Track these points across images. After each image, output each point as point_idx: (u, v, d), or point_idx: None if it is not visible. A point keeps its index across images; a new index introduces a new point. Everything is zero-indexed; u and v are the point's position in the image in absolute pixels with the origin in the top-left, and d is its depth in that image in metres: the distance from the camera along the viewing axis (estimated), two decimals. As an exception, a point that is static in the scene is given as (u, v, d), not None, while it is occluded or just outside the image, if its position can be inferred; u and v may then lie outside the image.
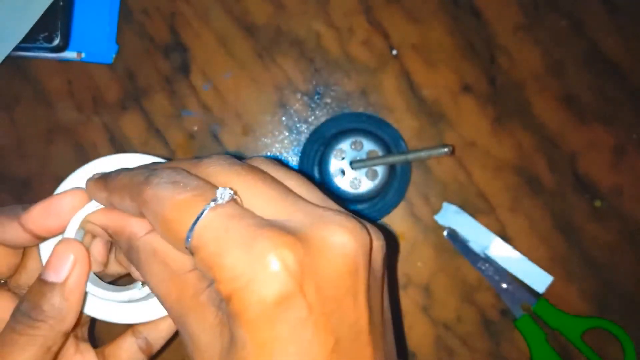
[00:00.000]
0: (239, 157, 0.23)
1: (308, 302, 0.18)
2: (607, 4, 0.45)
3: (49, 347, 0.22)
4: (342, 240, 0.19)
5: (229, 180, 0.21)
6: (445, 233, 0.44)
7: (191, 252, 0.19)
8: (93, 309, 0.25)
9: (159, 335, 0.27)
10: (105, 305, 0.25)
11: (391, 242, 0.44)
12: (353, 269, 0.19)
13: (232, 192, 0.20)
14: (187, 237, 0.19)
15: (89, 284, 0.24)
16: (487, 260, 0.44)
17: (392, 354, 0.22)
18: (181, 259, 0.21)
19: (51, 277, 0.23)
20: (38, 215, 0.23)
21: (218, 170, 0.21)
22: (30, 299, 0.23)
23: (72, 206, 0.24)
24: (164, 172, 0.21)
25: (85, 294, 0.24)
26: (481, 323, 0.44)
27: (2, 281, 0.26)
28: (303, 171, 0.43)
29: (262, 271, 0.18)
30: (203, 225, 0.19)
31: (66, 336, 0.23)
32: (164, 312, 0.25)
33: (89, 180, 0.24)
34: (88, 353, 0.26)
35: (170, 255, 0.21)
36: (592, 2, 0.45)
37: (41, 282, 0.23)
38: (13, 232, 0.24)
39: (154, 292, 0.21)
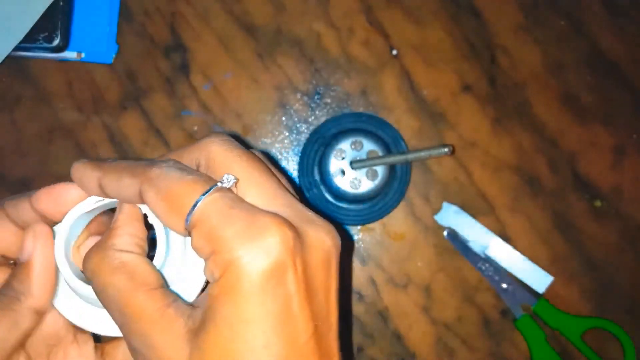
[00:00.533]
0: (235, 138, 0.23)
1: (297, 279, 0.19)
2: (607, 4, 0.45)
3: (17, 321, 0.23)
4: (324, 239, 0.21)
5: (228, 163, 0.22)
6: (445, 233, 0.44)
7: (189, 229, 0.20)
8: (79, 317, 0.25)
9: None
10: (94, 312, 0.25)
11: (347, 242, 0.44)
12: (328, 265, 0.21)
13: (235, 180, 0.21)
14: (190, 213, 0.20)
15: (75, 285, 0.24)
16: (487, 260, 0.44)
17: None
18: (149, 275, 0.21)
19: (21, 257, 0.24)
20: (44, 196, 0.24)
21: (218, 151, 0.22)
22: (7, 279, 0.24)
23: (77, 195, 0.24)
24: (169, 160, 0.22)
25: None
26: (481, 323, 0.44)
27: (12, 262, 0.26)
28: (303, 172, 0.43)
29: (262, 241, 0.19)
30: (208, 200, 0.20)
31: (39, 314, 0.24)
32: None
33: (77, 163, 0.24)
34: (85, 344, 0.26)
35: (139, 269, 0.21)
36: (592, 2, 0.45)
37: (17, 264, 0.24)
38: (25, 211, 0.25)
39: (110, 305, 0.21)
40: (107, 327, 0.25)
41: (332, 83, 0.45)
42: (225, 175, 0.21)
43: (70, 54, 0.44)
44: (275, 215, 0.20)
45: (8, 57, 0.43)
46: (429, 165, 0.44)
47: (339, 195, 0.43)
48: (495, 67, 0.45)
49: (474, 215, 0.44)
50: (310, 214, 0.22)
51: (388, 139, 0.43)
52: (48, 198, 0.24)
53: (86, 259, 0.22)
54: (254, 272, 0.19)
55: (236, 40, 0.45)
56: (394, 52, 0.45)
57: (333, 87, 0.45)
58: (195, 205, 0.20)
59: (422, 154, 0.40)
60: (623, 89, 0.45)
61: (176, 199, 0.20)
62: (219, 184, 0.20)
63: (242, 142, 0.44)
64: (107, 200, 0.24)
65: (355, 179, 0.43)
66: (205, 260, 0.20)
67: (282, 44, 0.45)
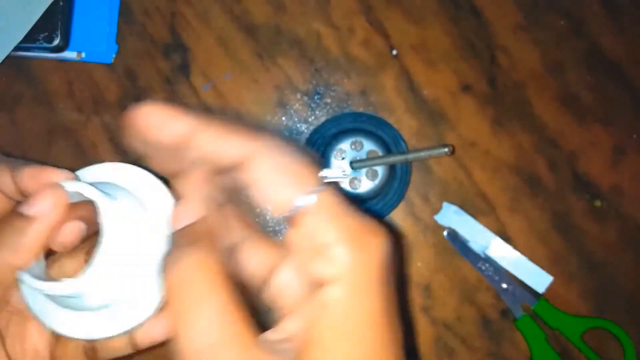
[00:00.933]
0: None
1: (394, 279, 0.19)
2: (607, 3, 0.45)
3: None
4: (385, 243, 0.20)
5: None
6: (445, 233, 0.44)
7: (296, 214, 0.18)
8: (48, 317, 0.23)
9: (108, 345, 0.25)
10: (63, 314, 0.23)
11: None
12: (388, 271, 0.20)
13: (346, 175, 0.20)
14: (304, 199, 0.18)
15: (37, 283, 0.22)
16: (487, 260, 0.44)
17: None
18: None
19: (26, 209, 0.22)
20: (29, 178, 0.23)
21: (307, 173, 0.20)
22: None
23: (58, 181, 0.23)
24: (274, 134, 0.20)
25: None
26: (481, 323, 0.44)
27: None
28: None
29: (380, 234, 0.19)
30: (326, 187, 0.19)
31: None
32: (125, 327, 0.23)
33: (153, 104, 0.20)
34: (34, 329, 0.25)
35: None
36: (592, 2, 0.45)
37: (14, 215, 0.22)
38: (6, 183, 0.24)
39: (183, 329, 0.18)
40: (72, 327, 0.24)
41: (332, 83, 0.45)
42: (328, 170, 0.20)
43: (70, 54, 0.44)
44: (376, 225, 0.19)
45: (8, 57, 0.43)
46: (429, 165, 0.44)
47: (339, 195, 0.43)
48: (495, 67, 0.45)
49: (474, 215, 0.44)
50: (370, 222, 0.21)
51: (388, 139, 0.43)
52: (32, 181, 0.23)
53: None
54: (374, 275, 0.18)
55: (236, 40, 0.45)
56: (394, 52, 0.45)
57: (333, 87, 0.45)
58: (315, 191, 0.18)
59: (422, 154, 0.40)
60: (623, 88, 0.45)
61: (294, 173, 0.19)
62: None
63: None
64: (76, 188, 0.23)
65: (355, 179, 0.43)
66: (301, 257, 0.19)
67: (282, 44, 0.45)
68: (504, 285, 0.44)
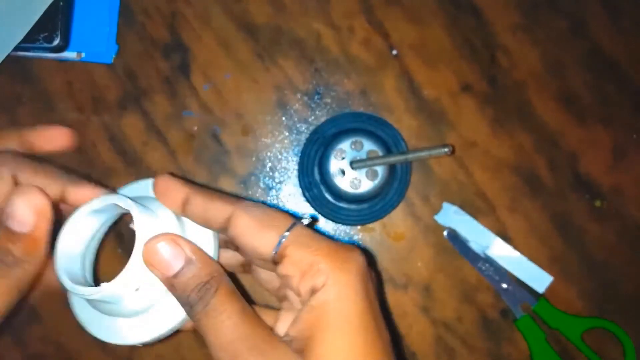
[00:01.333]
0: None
1: (374, 286, 0.24)
2: (607, 4, 0.45)
3: (20, 289, 0.24)
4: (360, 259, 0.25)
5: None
6: (445, 233, 0.44)
7: (280, 253, 0.23)
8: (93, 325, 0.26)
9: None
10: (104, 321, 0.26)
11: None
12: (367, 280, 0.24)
13: (311, 220, 0.25)
14: (283, 237, 0.23)
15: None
16: (487, 260, 0.44)
17: None
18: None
19: (17, 226, 0.24)
20: (39, 135, 0.29)
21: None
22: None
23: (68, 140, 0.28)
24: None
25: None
26: (481, 323, 0.44)
27: None
28: (303, 172, 0.43)
29: (354, 250, 0.24)
30: (298, 227, 0.24)
31: (35, 278, 0.25)
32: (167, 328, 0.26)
33: (163, 175, 0.26)
34: None
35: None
36: (592, 3, 0.45)
37: (8, 231, 0.24)
38: (9, 142, 0.29)
39: (216, 335, 0.23)
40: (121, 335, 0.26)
41: (332, 83, 0.45)
42: (304, 214, 0.25)
43: (70, 54, 0.44)
44: (350, 244, 0.25)
45: (8, 57, 0.43)
46: (429, 165, 0.44)
47: (339, 195, 0.43)
48: (495, 67, 0.45)
49: (474, 215, 0.44)
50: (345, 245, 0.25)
51: (388, 139, 0.43)
52: (42, 137, 0.27)
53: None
54: (353, 278, 0.23)
55: (236, 40, 0.45)
56: (394, 52, 0.45)
57: (333, 87, 0.45)
58: (289, 229, 0.23)
59: (422, 153, 0.40)
60: (623, 88, 0.45)
61: (270, 222, 0.24)
62: (303, 221, 0.24)
63: (243, 143, 0.44)
64: (112, 200, 0.25)
65: (355, 179, 0.43)
66: (295, 279, 0.23)
67: (282, 44, 0.45)
68: (504, 285, 0.44)
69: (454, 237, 0.44)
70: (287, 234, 0.23)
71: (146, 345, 0.26)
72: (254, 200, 0.27)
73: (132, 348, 0.44)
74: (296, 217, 0.24)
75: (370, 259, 0.27)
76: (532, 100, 0.45)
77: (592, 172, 0.45)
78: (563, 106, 0.45)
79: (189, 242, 0.25)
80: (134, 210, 0.25)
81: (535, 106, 0.45)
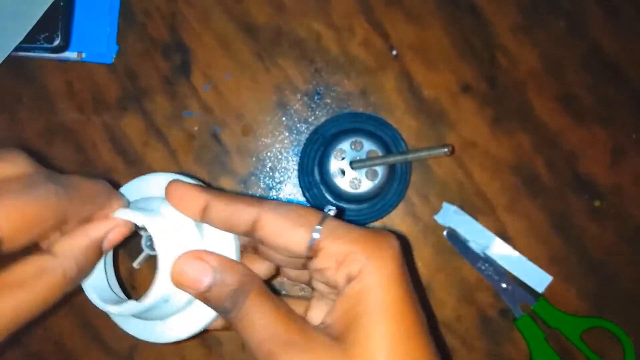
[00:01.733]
0: None
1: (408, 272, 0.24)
2: (606, 4, 0.46)
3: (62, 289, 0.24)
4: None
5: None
6: (445, 233, 0.44)
7: (314, 247, 0.23)
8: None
9: None
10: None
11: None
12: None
13: (335, 210, 0.24)
14: (316, 231, 0.23)
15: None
16: (487, 260, 0.44)
17: None
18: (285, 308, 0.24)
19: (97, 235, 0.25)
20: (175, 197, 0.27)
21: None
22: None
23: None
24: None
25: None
26: (480, 322, 0.44)
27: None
28: (303, 172, 0.44)
29: (388, 235, 0.24)
30: (331, 219, 0.24)
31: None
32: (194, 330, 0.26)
33: (176, 182, 0.26)
34: None
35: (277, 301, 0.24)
36: (591, 3, 0.46)
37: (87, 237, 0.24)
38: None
39: (252, 331, 0.23)
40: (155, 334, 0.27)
41: (332, 83, 0.45)
42: (326, 208, 0.24)
43: (70, 54, 0.44)
44: (384, 230, 0.24)
45: (9, 57, 0.43)
46: (428, 165, 0.45)
47: (339, 195, 0.43)
48: (494, 67, 0.45)
49: (474, 215, 0.44)
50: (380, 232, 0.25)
51: (388, 139, 0.43)
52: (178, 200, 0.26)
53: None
54: (389, 264, 0.22)
55: (236, 40, 0.45)
56: (394, 52, 0.45)
57: (333, 87, 0.45)
58: (320, 223, 0.23)
59: (422, 154, 0.40)
60: (622, 88, 0.45)
61: (299, 219, 0.23)
62: (330, 213, 0.24)
63: (244, 143, 0.44)
64: (127, 217, 0.25)
65: (355, 179, 0.43)
66: (331, 271, 0.23)
67: (282, 44, 0.45)
68: (504, 285, 0.44)
69: (454, 237, 0.44)
70: (319, 227, 0.23)
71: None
72: (274, 199, 0.26)
73: (133, 348, 0.44)
74: (322, 211, 0.24)
75: (404, 243, 0.26)
76: (532, 101, 0.45)
77: (592, 172, 0.45)
78: (562, 106, 0.45)
79: (213, 254, 0.25)
80: (152, 229, 0.25)
81: (534, 106, 0.45)
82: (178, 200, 0.25)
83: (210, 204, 0.25)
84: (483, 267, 0.44)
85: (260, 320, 0.23)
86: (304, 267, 0.24)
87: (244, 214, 0.24)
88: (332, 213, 0.24)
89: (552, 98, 0.45)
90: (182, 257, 0.25)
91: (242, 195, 0.25)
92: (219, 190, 0.26)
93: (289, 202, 0.25)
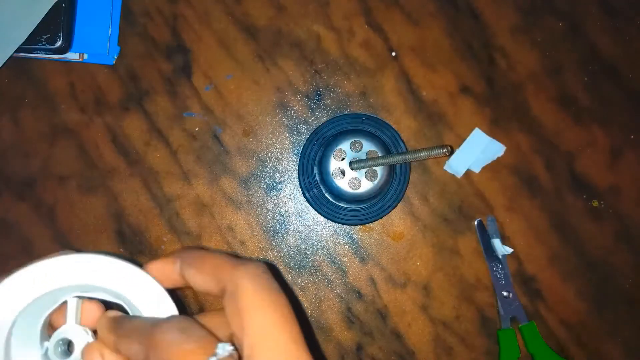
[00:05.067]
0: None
1: None
2: (604, 5, 0.46)
3: None
4: None
5: (252, 311, 0.24)
6: (475, 223, 0.44)
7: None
8: None
9: None
10: None
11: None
12: None
13: (231, 348, 0.22)
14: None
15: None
16: (501, 263, 0.44)
17: None
18: None
19: None
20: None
21: (248, 290, 0.24)
22: None
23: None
24: (176, 319, 0.24)
25: None
26: (479, 321, 0.44)
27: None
28: (303, 173, 0.44)
29: (236, 263, 0.25)
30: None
31: None
32: None
33: (101, 321, 0.26)
34: None
35: None
36: (589, 4, 0.46)
37: None
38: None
39: None
40: None
41: (332, 84, 0.45)
42: (220, 346, 0.22)
43: (72, 56, 0.45)
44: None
45: (11, 58, 0.43)
46: (427, 165, 0.45)
47: (338, 195, 0.43)
48: (493, 68, 0.45)
49: (473, 215, 0.44)
50: None
51: (387, 140, 0.44)
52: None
53: None
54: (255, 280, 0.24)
55: (237, 42, 0.45)
56: (393, 53, 0.45)
57: (333, 88, 0.45)
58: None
59: (421, 154, 0.41)
60: (620, 89, 0.45)
61: (211, 272, 0.25)
62: (214, 358, 0.22)
63: (244, 144, 0.45)
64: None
65: (355, 179, 0.43)
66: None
67: (282, 45, 0.45)
68: (505, 293, 0.44)
69: (482, 228, 0.44)
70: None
71: None
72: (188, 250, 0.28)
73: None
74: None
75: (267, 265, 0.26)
76: (530, 101, 0.45)
77: (590, 173, 0.45)
78: (560, 107, 0.45)
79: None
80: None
81: (532, 107, 0.45)
82: (157, 274, 0.27)
83: (118, 344, 0.25)
84: (495, 268, 0.44)
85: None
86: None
87: (139, 353, 0.24)
88: (222, 354, 0.23)
89: (550, 99, 0.45)
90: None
91: (140, 325, 0.25)
92: (126, 321, 0.26)
93: (180, 329, 0.24)
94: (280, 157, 0.45)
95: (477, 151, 0.44)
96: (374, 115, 0.44)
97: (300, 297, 0.44)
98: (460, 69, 0.45)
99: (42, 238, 0.44)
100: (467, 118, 0.45)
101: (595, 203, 0.45)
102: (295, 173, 0.45)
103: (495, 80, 0.45)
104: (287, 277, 0.44)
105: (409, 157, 0.41)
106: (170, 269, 0.27)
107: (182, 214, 0.44)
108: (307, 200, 0.44)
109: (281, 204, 0.45)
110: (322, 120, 0.45)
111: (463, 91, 0.45)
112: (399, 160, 0.42)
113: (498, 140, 0.45)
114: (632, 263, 0.45)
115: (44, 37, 0.43)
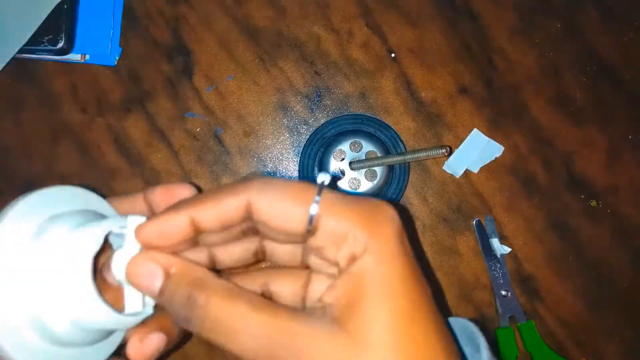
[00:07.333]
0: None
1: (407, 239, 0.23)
2: (601, 7, 0.46)
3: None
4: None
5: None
6: (474, 222, 0.44)
7: (314, 223, 0.21)
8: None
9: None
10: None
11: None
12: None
13: (330, 176, 0.22)
14: (315, 202, 0.21)
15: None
16: (499, 262, 0.44)
17: None
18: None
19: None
20: (159, 195, 0.26)
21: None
22: None
23: (189, 194, 0.26)
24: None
25: None
26: (478, 321, 0.45)
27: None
28: (304, 173, 0.44)
29: (387, 210, 0.22)
30: (326, 191, 0.22)
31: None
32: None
33: (145, 223, 0.23)
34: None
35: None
36: (587, 6, 0.46)
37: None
38: (140, 206, 0.27)
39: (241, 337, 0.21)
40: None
41: (332, 85, 0.45)
42: (319, 175, 0.23)
43: (74, 57, 0.45)
44: (379, 199, 0.23)
45: (13, 59, 0.43)
46: (426, 165, 0.45)
47: (338, 195, 0.44)
48: (491, 69, 0.46)
49: (472, 215, 0.45)
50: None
51: (387, 140, 0.44)
52: (162, 197, 0.25)
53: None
54: (391, 241, 0.21)
55: (238, 43, 0.45)
56: (393, 55, 0.46)
57: (333, 90, 0.45)
58: (316, 199, 0.21)
59: (420, 154, 0.41)
60: (617, 90, 0.46)
61: (292, 197, 0.22)
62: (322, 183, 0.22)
63: (245, 144, 0.45)
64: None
65: (355, 179, 0.44)
66: (330, 250, 0.22)
67: (283, 47, 0.46)
68: (503, 292, 0.44)
69: (481, 227, 0.44)
70: (316, 205, 0.21)
71: None
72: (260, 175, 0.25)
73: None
74: (314, 184, 0.22)
75: (403, 211, 0.24)
76: (528, 102, 0.45)
77: (587, 173, 0.45)
78: (558, 107, 0.46)
79: (164, 254, 0.23)
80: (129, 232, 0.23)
81: (531, 108, 0.45)
82: (161, 236, 0.23)
83: (195, 213, 0.22)
84: (493, 267, 0.44)
85: (232, 333, 0.21)
86: (303, 241, 0.23)
87: (233, 205, 0.22)
88: (326, 182, 0.22)
89: (549, 99, 0.46)
90: (135, 258, 0.23)
91: (225, 187, 0.23)
92: (197, 194, 0.24)
93: (276, 179, 0.23)
94: (280, 157, 0.45)
95: (475, 151, 0.45)
96: (374, 116, 0.45)
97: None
98: (458, 70, 0.45)
99: (44, 238, 0.44)
100: (465, 119, 0.45)
101: (593, 203, 0.45)
102: (296, 173, 0.45)
103: (494, 81, 0.45)
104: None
105: (408, 157, 0.42)
106: (233, 204, 0.22)
107: (183, 214, 0.45)
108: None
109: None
110: (322, 121, 0.45)
111: (462, 92, 0.45)
112: (398, 161, 0.42)
113: (496, 140, 0.45)
114: (629, 262, 0.45)
115: (46, 38, 0.43)
